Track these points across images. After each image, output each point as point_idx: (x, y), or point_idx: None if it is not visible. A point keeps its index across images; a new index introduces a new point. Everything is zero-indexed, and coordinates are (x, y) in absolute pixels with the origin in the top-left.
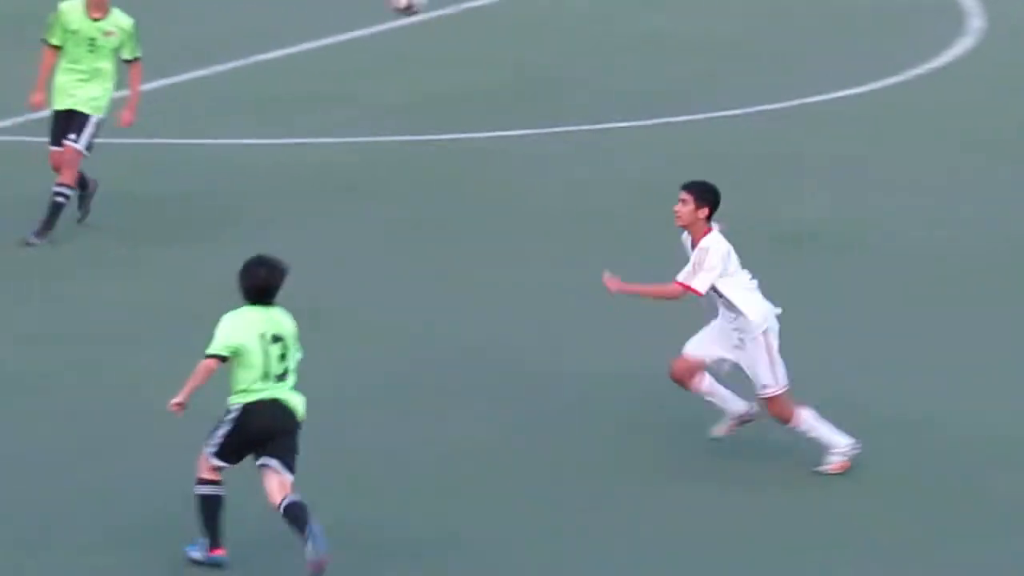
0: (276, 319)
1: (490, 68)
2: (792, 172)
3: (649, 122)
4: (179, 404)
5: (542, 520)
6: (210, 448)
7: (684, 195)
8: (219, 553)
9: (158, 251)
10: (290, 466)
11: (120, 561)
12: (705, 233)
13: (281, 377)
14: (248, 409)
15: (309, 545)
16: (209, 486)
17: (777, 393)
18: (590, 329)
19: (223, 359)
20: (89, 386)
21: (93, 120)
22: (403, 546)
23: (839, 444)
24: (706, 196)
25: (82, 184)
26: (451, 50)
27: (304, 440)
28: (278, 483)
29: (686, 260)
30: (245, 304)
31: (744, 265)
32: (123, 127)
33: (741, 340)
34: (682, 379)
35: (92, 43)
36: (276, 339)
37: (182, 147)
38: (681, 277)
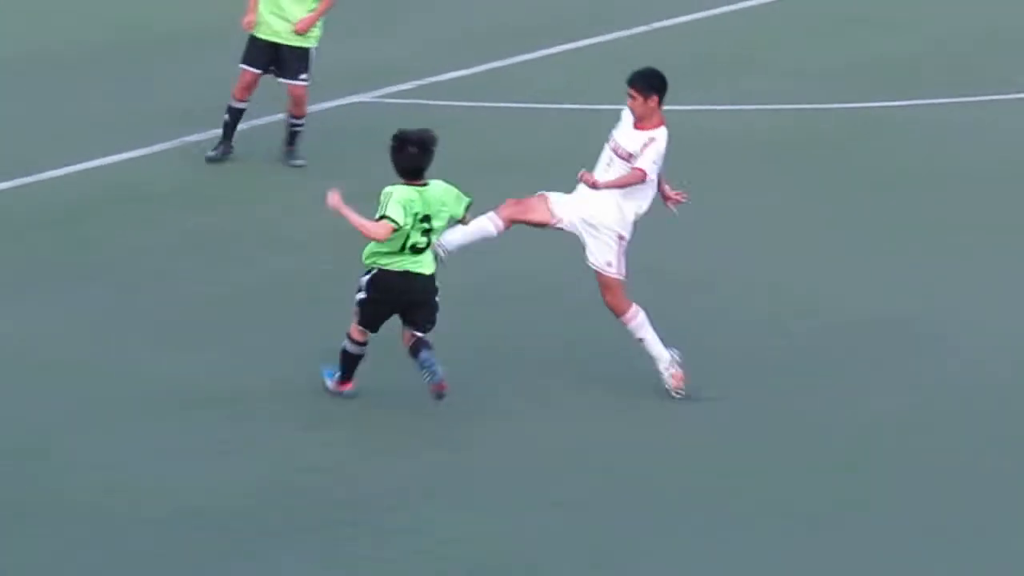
0: (428, 196)
1: (911, 35)
2: None
3: None
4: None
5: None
6: (355, 317)
7: (631, 91)
8: (347, 387)
9: None
10: (427, 328)
11: None
12: (658, 125)
13: (420, 250)
14: (380, 278)
15: (426, 375)
16: (354, 345)
17: (615, 277)
18: (990, 300)
19: (396, 227)
20: None
21: (312, 51)
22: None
23: (663, 356)
24: (652, 84)
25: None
26: (875, 15)
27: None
28: (411, 334)
29: None
30: (400, 182)
31: None
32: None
33: (595, 228)
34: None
35: None
36: (425, 217)
37: (593, 112)
38: (639, 164)
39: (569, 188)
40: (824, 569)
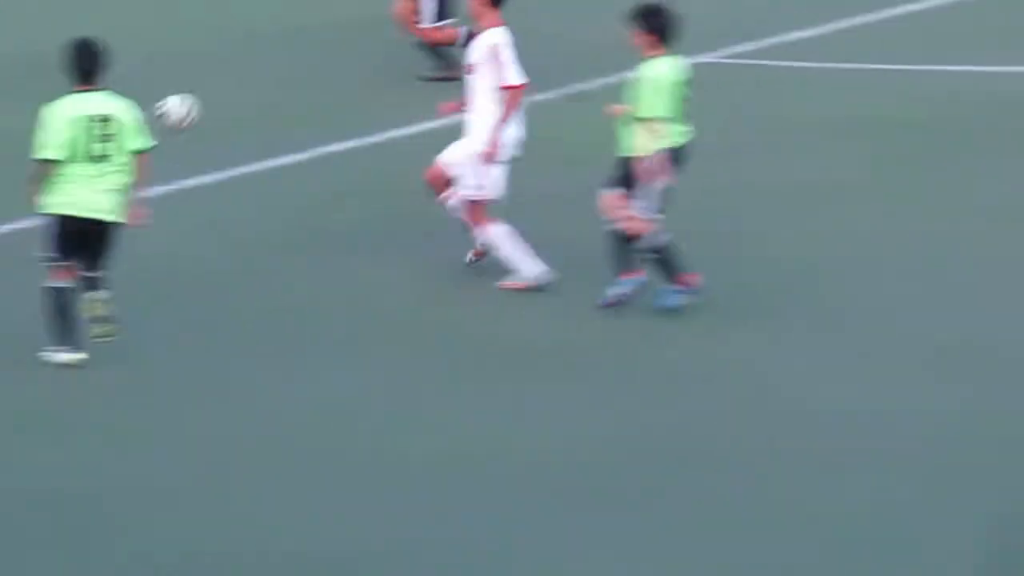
0: None
1: None
2: None
3: None
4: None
5: None
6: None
7: None
8: (639, 275)
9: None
10: None
11: None
12: (492, 25)
13: None
14: None
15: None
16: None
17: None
18: None
19: None
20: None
21: None
22: None
23: (529, 271)
24: None
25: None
26: None
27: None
28: None
29: None
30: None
31: None
32: None
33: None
34: (434, 184)
35: None
36: None
37: (925, 73)
38: (507, 82)
39: (907, 147)
40: None
